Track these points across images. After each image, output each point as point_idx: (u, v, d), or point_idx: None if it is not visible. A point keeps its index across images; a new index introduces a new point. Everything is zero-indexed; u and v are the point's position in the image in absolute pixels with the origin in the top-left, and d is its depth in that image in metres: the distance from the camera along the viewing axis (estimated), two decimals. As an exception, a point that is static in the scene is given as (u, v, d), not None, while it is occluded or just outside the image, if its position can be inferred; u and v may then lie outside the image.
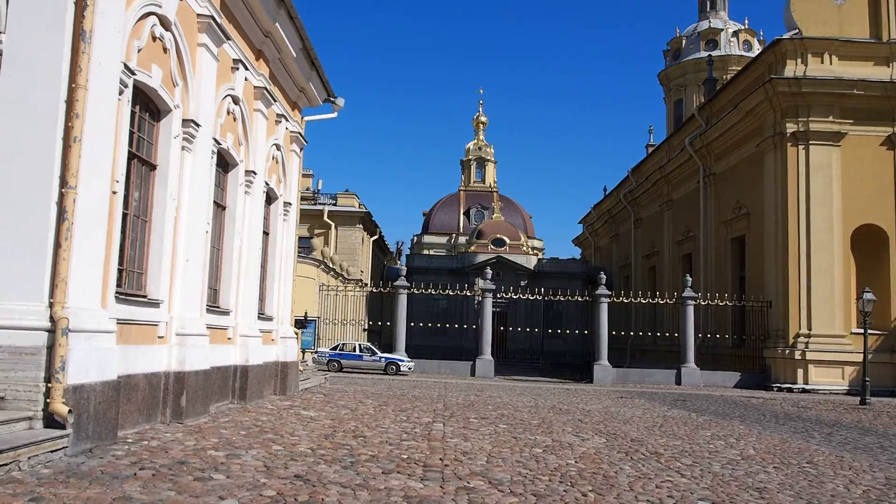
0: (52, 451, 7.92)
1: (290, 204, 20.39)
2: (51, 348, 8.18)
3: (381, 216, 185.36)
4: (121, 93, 9.95)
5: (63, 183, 8.48)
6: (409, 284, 38.98)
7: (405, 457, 10.06)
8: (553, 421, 16.19)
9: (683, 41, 70.20)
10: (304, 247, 45.03)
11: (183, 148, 12.46)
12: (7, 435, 7.58)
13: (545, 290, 42.66)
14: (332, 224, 53.27)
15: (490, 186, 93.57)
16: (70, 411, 8.11)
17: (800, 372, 32.19)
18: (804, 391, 31.50)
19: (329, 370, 33.83)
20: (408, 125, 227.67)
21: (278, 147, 19.16)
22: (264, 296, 18.74)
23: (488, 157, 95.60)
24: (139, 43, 10.71)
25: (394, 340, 38.01)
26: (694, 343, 36.39)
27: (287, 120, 19.84)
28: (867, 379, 26.92)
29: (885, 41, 34.50)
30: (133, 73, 10.37)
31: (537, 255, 76.36)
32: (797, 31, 34.51)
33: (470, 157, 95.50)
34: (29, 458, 7.49)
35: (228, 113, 15.14)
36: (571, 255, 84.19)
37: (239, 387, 15.50)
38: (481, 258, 65.66)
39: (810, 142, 33.38)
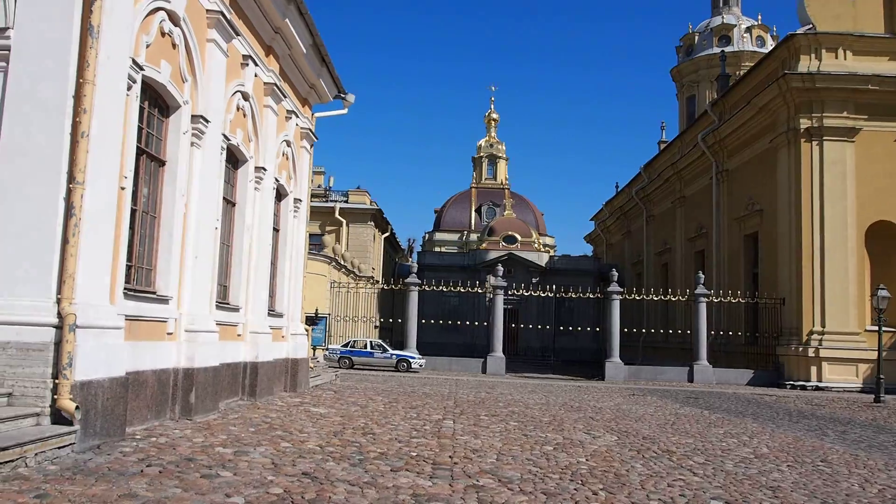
0: (59, 448, 7.90)
1: (300, 200, 20.34)
2: (58, 344, 8.15)
3: (392, 213, 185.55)
4: (129, 88, 9.92)
5: (71, 178, 8.46)
6: (420, 281, 38.93)
7: (414, 454, 10.00)
8: (564, 418, 16.09)
9: (696, 37, 69.83)
10: (316, 244, 45.08)
11: (192, 144, 12.43)
12: (14, 431, 7.56)
13: (557, 287, 42.51)
14: (344, 221, 53.31)
15: (502, 183, 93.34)
16: (77, 407, 8.09)
17: (813, 369, 31.93)
18: (818, 389, 31.25)
19: (340, 367, 33.81)
20: (419, 122, 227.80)
21: (288, 143, 19.13)
22: (274, 292, 18.71)
23: (500, 155, 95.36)
24: (148, 38, 10.68)
25: (405, 337, 38.01)
26: (706, 340, 36.18)
27: (297, 116, 19.81)
28: (882, 376, 26.67)
29: None
30: (141, 69, 10.34)
31: (549, 252, 76.17)
32: (811, 26, 34.17)
33: (481, 154, 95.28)
34: (36, 454, 7.47)
35: (238, 109, 15.10)
36: (583, 252, 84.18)
37: (249, 383, 15.47)
38: (493, 255, 65.60)
39: (824, 137, 33.09)
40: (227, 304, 15.08)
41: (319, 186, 58.68)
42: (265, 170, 16.59)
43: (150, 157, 11.43)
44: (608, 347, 37.05)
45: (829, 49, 34.01)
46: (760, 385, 33.43)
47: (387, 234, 61.44)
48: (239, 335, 15.46)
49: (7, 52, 8.66)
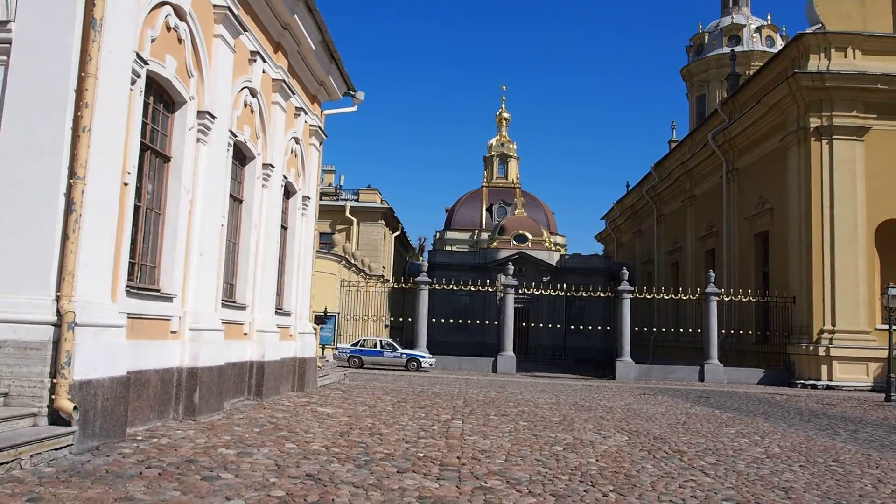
0: (56, 449, 7.73)
1: (308, 198, 20.17)
2: (57, 343, 7.98)
3: (403, 212, 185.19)
4: (133, 83, 9.77)
5: (72, 174, 8.29)
6: (430, 280, 38.79)
7: (421, 455, 9.83)
8: (574, 418, 15.94)
9: (706, 37, 69.97)
10: (326, 242, 45.03)
11: (198, 140, 12.28)
12: (9, 432, 7.40)
13: (567, 285, 42.36)
14: (354, 220, 53.24)
15: (513, 182, 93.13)
16: (75, 408, 7.92)
17: (824, 368, 31.88)
18: (828, 388, 31.16)
19: (349, 366, 33.71)
20: (431, 121, 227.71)
21: (297, 140, 18.97)
22: (282, 291, 18.56)
23: (511, 154, 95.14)
24: (153, 33, 10.53)
25: (415, 336, 37.89)
26: (717, 339, 36.11)
27: (306, 113, 19.64)
28: (892, 375, 26.55)
29: None
30: (146, 63, 10.19)
31: (560, 251, 75.96)
32: (820, 25, 34.21)
33: (492, 153, 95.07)
34: (31, 456, 7.30)
35: (245, 105, 14.95)
36: (594, 251, 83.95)
37: (255, 383, 15.32)
38: (503, 254, 65.47)
39: (834, 136, 33.10)
40: (234, 302, 14.93)
41: (330, 185, 58.64)
42: (273, 167, 16.44)
43: (154, 153, 11.28)
44: (619, 346, 36.97)
45: (838, 48, 34.06)
46: (771, 384, 33.35)
47: (397, 233, 61.36)
48: (245, 334, 15.30)
49: (8, 45, 8.51)
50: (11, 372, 7.89)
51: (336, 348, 35.13)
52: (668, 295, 38.39)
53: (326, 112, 22.41)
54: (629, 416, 17.11)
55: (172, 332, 11.54)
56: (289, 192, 18.86)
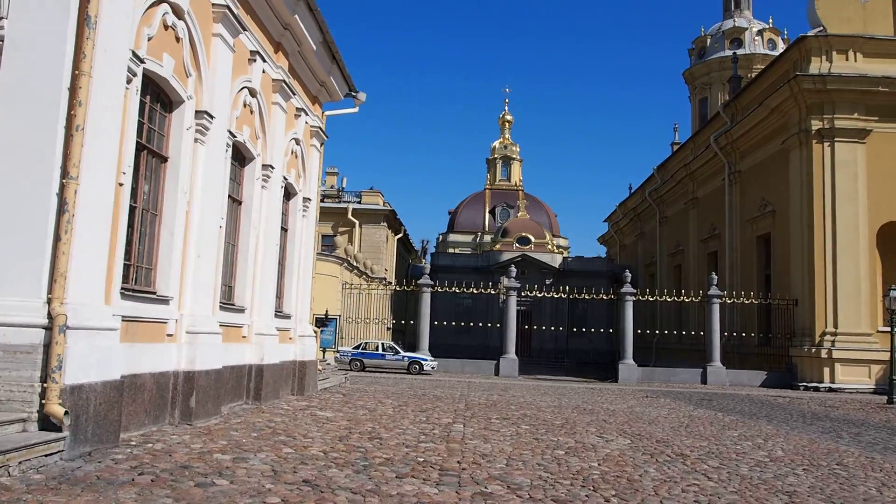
0: (46, 455, 7.55)
1: (309, 200, 20.01)
2: (47, 346, 7.80)
3: (406, 215, 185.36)
4: (129, 81, 9.60)
5: (64, 173, 8.12)
6: (432, 283, 38.69)
7: (421, 460, 9.69)
8: (576, 421, 15.85)
9: (708, 40, 70.08)
10: (328, 245, 44.86)
11: (196, 140, 12.12)
12: (-2, 438, 7.24)
13: (570, 288, 42.26)
14: (357, 222, 53.10)
15: (516, 185, 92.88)
16: (66, 413, 7.74)
17: (826, 371, 31.90)
18: (830, 390, 31.17)
19: (351, 369, 33.55)
20: (434, 124, 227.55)
21: (298, 141, 18.81)
22: (282, 293, 18.39)
23: (514, 156, 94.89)
24: (150, 31, 10.36)
25: (417, 339, 37.76)
26: (720, 342, 36.10)
27: (307, 114, 19.49)
28: (894, 377, 26.56)
29: None
30: (142, 62, 10.01)
31: (562, 253, 75.67)
32: (822, 28, 34.30)
33: (496, 155, 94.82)
34: (20, 462, 7.12)
35: (245, 105, 14.79)
36: (597, 253, 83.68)
37: (254, 387, 15.14)
38: (506, 256, 65.24)
39: (835, 139, 33.17)
40: (232, 304, 14.75)
41: (332, 187, 58.52)
42: (273, 168, 16.27)
43: (151, 153, 11.11)
44: (621, 349, 36.94)
45: (839, 51, 34.16)
46: (773, 386, 33.38)
47: (400, 236, 61.18)
48: (244, 337, 15.13)
49: (0, 42, 8.35)
50: (0, 376, 7.72)
51: (337, 351, 34.97)
52: (670, 297, 38.27)
53: (328, 113, 22.26)
54: (632, 419, 17.04)
55: (169, 336, 11.36)
56: (289, 193, 18.70)
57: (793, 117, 34.64)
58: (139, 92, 10.06)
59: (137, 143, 10.28)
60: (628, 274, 38.88)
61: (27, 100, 8.19)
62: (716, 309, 36.28)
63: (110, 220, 9.06)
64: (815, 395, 29.03)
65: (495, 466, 9.49)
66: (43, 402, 7.72)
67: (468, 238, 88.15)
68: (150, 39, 10.35)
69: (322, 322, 28.46)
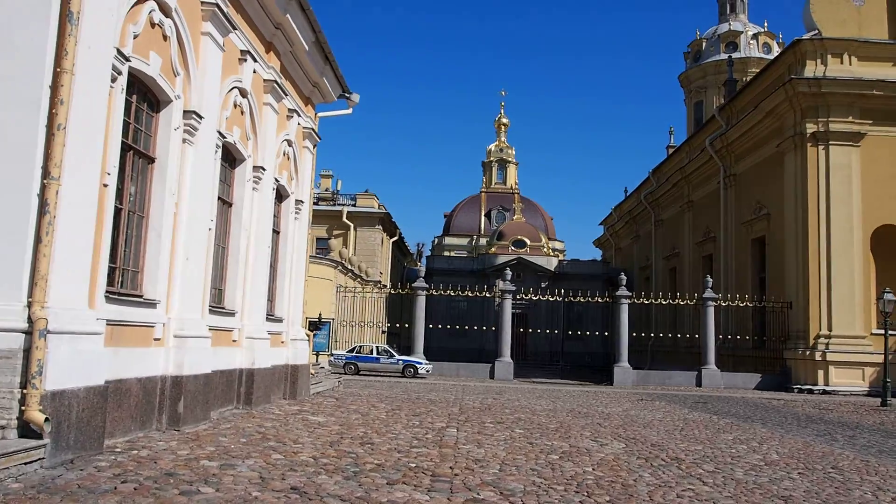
0: (25, 464, 7.32)
1: (302, 202, 19.81)
2: (28, 351, 7.55)
3: (402, 218, 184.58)
4: (114, 80, 9.38)
5: (45, 173, 7.88)
6: (427, 286, 38.58)
7: (413, 465, 9.53)
8: (571, 425, 15.77)
9: (704, 43, 70.40)
10: (322, 248, 44.69)
11: (184, 141, 11.91)
12: (-25, 446, 7.01)
13: (566, 291, 42.12)
14: (352, 225, 52.91)
15: (511, 188, 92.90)
16: (47, 419, 7.51)
17: (820, 373, 31.98)
18: (824, 392, 31.28)
19: (345, 373, 33.37)
20: (429, 127, 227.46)
21: (290, 143, 18.60)
22: (274, 296, 18.19)
23: (510, 159, 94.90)
24: (135, 28, 10.14)
25: (412, 342, 37.62)
26: (714, 344, 36.12)
27: (299, 115, 19.29)
28: (888, 380, 26.70)
29: None
30: (127, 60, 9.79)
31: (558, 256, 75.74)
32: (817, 31, 34.37)
33: (491, 158, 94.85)
34: (-2, 470, 6.91)
35: (235, 106, 14.59)
36: (592, 256, 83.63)
37: (244, 391, 14.92)
38: (502, 259, 65.19)
39: (830, 142, 33.24)
40: (222, 308, 14.54)
41: (327, 190, 58.37)
42: (264, 169, 16.05)
43: (137, 154, 10.90)
44: (616, 352, 36.97)
45: (834, 54, 34.23)
46: (768, 389, 33.46)
47: (395, 239, 61.04)
48: (234, 341, 14.91)
49: (-21, 38, 8.13)
50: (-22, 382, 7.50)
51: (331, 355, 34.77)
52: (665, 300, 38.32)
53: (321, 114, 22.09)
54: (627, 422, 16.97)
55: (156, 340, 11.14)
56: (281, 195, 18.51)
57: (788, 120, 34.71)
58: (125, 91, 9.84)
59: (123, 143, 10.08)
60: (623, 277, 38.93)
61: (7, 97, 7.94)
62: (710, 312, 36.33)
63: (94, 222, 8.84)
64: (809, 398, 29.09)
65: (488, 472, 9.35)
66: (23, 408, 7.47)
67: (464, 241, 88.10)
68: (135, 37, 10.14)
69: (315, 325, 28.20)
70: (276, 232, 18.09)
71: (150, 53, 10.67)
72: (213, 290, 14.08)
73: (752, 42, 67.64)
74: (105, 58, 8.99)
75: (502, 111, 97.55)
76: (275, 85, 16.40)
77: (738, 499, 8.39)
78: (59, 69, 8.07)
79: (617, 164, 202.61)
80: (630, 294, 37.83)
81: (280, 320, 18.29)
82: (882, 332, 28.08)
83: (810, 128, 33.33)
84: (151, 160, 11.27)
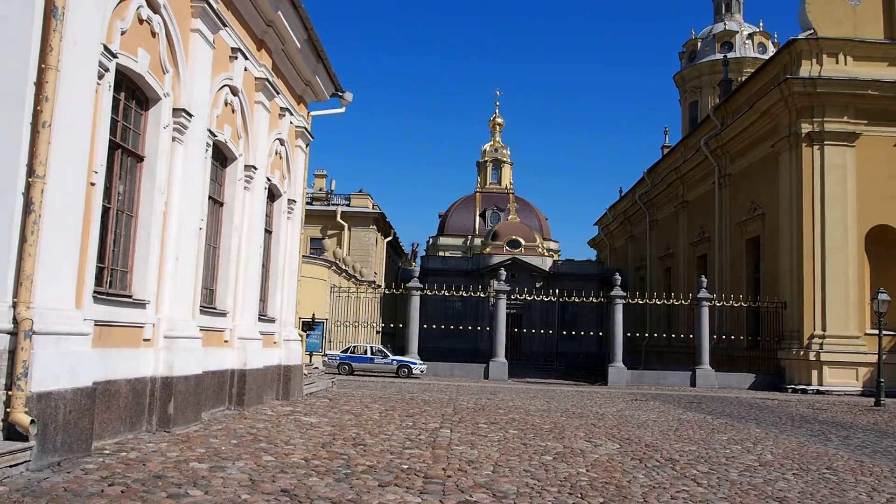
0: (10, 466, 7.18)
1: (294, 201, 19.67)
2: (13, 352, 7.41)
3: (396, 218, 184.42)
4: (101, 77, 9.25)
5: (30, 172, 7.74)
6: (421, 286, 38.50)
7: (406, 467, 9.43)
8: (565, 425, 15.71)
9: (699, 43, 70.48)
10: (316, 248, 44.53)
11: (174, 139, 11.78)
12: (-43, 448, 6.88)
13: (560, 291, 42.07)
14: (346, 225, 52.82)
15: (506, 188, 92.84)
16: (33, 421, 7.37)
17: (814, 373, 32.05)
18: (818, 392, 31.36)
19: (339, 373, 33.23)
20: (424, 126, 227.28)
21: (282, 142, 18.46)
22: (266, 297, 18.05)
23: (504, 159, 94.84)
24: (123, 25, 10.00)
25: (406, 342, 37.52)
26: (709, 344, 36.13)
27: (292, 114, 19.16)
28: (882, 380, 26.73)
29: None
30: (115, 56, 9.65)
31: (553, 256, 75.66)
32: (812, 31, 34.36)
33: (486, 158, 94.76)
34: (-18, 474, 6.78)
35: (226, 104, 14.45)
36: (587, 256, 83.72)
37: (236, 392, 14.78)
38: (496, 260, 65.09)
39: (825, 142, 33.25)
40: (214, 308, 14.41)
41: (321, 190, 58.23)
42: (256, 168, 15.91)
43: (126, 152, 10.77)
44: (611, 352, 36.94)
45: (830, 54, 34.25)
46: (762, 389, 33.53)
47: (389, 239, 60.94)
48: (226, 341, 14.77)
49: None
50: (-38, 384, 7.36)
51: (325, 355, 34.64)
52: (660, 300, 38.25)
53: (313, 113, 21.94)
54: (621, 422, 16.94)
55: (145, 340, 11.01)
56: (273, 195, 18.37)
57: (783, 120, 34.69)
58: (112, 88, 9.71)
59: (111, 141, 9.95)
60: (618, 277, 38.86)
61: (-9, 95, 7.83)
62: (705, 312, 36.32)
63: (81, 221, 8.71)
64: (803, 398, 29.14)
65: (481, 473, 9.26)
66: (8, 410, 7.33)
67: (458, 241, 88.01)
68: (123, 33, 9.99)
69: (309, 326, 28.10)
70: (268, 232, 17.96)
71: (138, 50, 10.54)
72: (205, 290, 13.95)
73: (747, 42, 67.74)
74: (91, 54, 8.86)
75: (497, 111, 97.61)
76: (266, 83, 16.27)
77: (733, 500, 8.34)
78: (43, 65, 7.93)
79: (612, 165, 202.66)
80: (624, 294, 37.83)
81: (273, 321, 18.17)
82: (876, 332, 28.20)
83: (805, 128, 33.32)
84: (140, 159, 11.14)
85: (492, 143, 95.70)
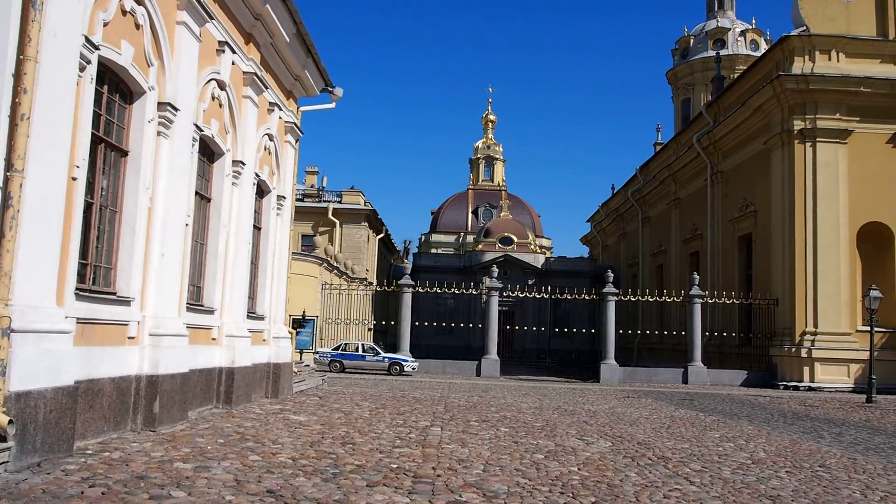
0: (-12, 467, 7.03)
1: (283, 197, 19.47)
2: (-10, 351, 7.25)
3: (388, 215, 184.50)
4: (82, 69, 9.05)
5: (8, 165, 7.53)
6: (413, 283, 38.39)
7: (395, 466, 9.28)
8: (557, 423, 15.60)
9: (691, 40, 70.55)
10: (308, 245, 44.36)
11: (159, 133, 11.59)
12: (-68, 449, 6.69)
13: (553, 288, 42.03)
14: (337, 222, 52.60)
15: (498, 185, 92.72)
16: (11, 422, 7.18)
17: (806, 370, 32.13)
18: (810, 389, 31.42)
19: (331, 371, 33.08)
20: (416, 124, 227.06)
21: (271, 137, 18.26)
22: (255, 294, 17.84)
23: (497, 156, 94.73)
24: (105, 16, 9.79)
25: (398, 340, 37.41)
26: (701, 341, 36.14)
27: (281, 109, 18.95)
28: (874, 377, 26.73)
29: (891, 39, 34.42)
30: (97, 49, 9.45)
31: (545, 253, 75.57)
32: (805, 28, 34.38)
33: (479, 155, 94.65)
34: (-43, 475, 6.58)
35: (213, 98, 14.25)
36: (579, 253, 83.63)
37: (224, 390, 14.59)
38: (489, 257, 64.99)
39: (817, 139, 33.28)
40: (201, 305, 14.21)
41: (312, 186, 58.03)
42: (244, 164, 15.72)
43: (109, 147, 10.56)
44: (603, 349, 36.92)
45: (822, 51, 34.27)
46: (754, 386, 33.55)
47: (381, 236, 60.78)
48: (214, 339, 14.58)
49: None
50: (-63, 383, 7.17)
51: (316, 353, 34.48)
52: (652, 297, 38.25)
53: (303, 109, 21.74)
54: (613, 420, 16.86)
55: (130, 338, 10.82)
56: (262, 190, 18.17)
57: (775, 117, 34.68)
58: (94, 81, 9.49)
59: (94, 135, 9.74)
60: (610, 274, 38.86)
61: (-33, 86, 7.63)
62: (697, 309, 36.32)
63: (62, 217, 8.51)
64: (795, 395, 29.15)
65: (472, 473, 9.13)
66: (-15, 409, 7.17)
67: (451, 238, 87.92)
68: (105, 25, 9.79)
69: (299, 323, 27.93)
70: (257, 228, 17.78)
71: (121, 42, 10.34)
72: (192, 287, 13.76)
73: (739, 39, 67.81)
74: (72, 46, 8.66)
75: (489, 108, 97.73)
76: (255, 77, 16.07)
77: (726, 499, 8.24)
78: (22, 56, 7.73)
79: (604, 162, 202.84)
80: (617, 291, 37.75)
81: (262, 318, 17.98)
82: (868, 328, 28.14)
83: (797, 125, 33.32)
84: (124, 153, 10.94)
85: (484, 139, 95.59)
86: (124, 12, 10.38)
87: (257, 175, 17.04)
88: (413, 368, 34.55)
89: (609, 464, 10.30)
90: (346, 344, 35.90)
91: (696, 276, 37.63)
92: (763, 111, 35.41)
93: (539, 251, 72.22)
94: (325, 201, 54.16)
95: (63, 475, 7.50)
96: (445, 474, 8.91)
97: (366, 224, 54.84)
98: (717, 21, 69.71)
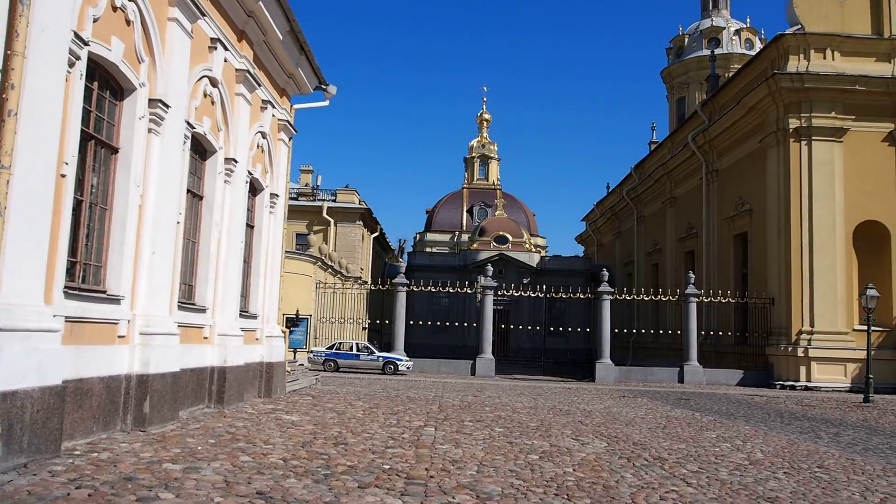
0: (-28, 469, 6.91)
1: (277, 196, 19.34)
2: (-25, 350, 7.14)
3: (383, 214, 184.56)
4: (71, 65, 8.95)
5: (-6, 162, 7.45)
6: (408, 282, 38.27)
7: (387, 467, 9.17)
8: (552, 423, 15.48)
9: (686, 39, 70.59)
10: (302, 243, 44.24)
11: (150, 130, 11.48)
12: (-85, 450, 6.57)
13: (548, 287, 41.96)
14: (332, 220, 52.45)
15: (493, 184, 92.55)
16: (-4, 422, 7.09)
17: (802, 369, 32.09)
18: (807, 389, 31.40)
19: (325, 370, 32.98)
20: (411, 122, 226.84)
21: (264, 135, 18.15)
22: (248, 292, 17.73)
23: (492, 155, 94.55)
24: (95, 11, 9.68)
25: (392, 339, 37.28)
26: (697, 341, 36.10)
27: (274, 107, 18.85)
28: (871, 376, 26.65)
29: (886, 37, 34.45)
30: (86, 44, 9.34)
31: (540, 252, 75.40)
32: (799, 26, 34.39)
33: (473, 154, 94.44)
34: (-61, 477, 6.47)
35: (205, 95, 14.14)
36: (574, 252, 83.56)
37: (216, 390, 14.48)
38: (484, 256, 64.89)
39: (813, 137, 33.28)
40: (193, 304, 14.10)
41: (307, 185, 57.86)
42: (236, 162, 15.61)
43: (99, 144, 10.45)
44: (599, 348, 36.83)
45: (817, 49, 34.30)
46: (750, 385, 33.50)
47: (376, 234, 60.64)
48: (205, 338, 14.47)
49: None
50: (-79, 382, 7.06)
51: (310, 352, 34.37)
52: (647, 296, 38.19)
53: (297, 107, 21.61)
54: (608, 420, 16.75)
55: (120, 337, 10.71)
56: (255, 189, 18.05)
57: (770, 116, 34.67)
58: (84, 77, 9.38)
59: (83, 132, 9.64)
60: (606, 273, 38.77)
61: (-47, 82, 7.52)
62: (693, 308, 36.25)
63: (51, 214, 8.40)
64: (791, 394, 29.08)
65: (465, 474, 9.01)
66: (-30, 410, 7.05)
67: (446, 237, 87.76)
68: (95, 21, 9.68)
69: (292, 322, 27.77)
70: (249, 226, 17.67)
71: (111, 38, 10.23)
72: (183, 285, 13.65)
73: (734, 38, 67.85)
74: (61, 41, 8.55)
75: (484, 107, 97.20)
76: (247, 75, 15.96)
77: (723, 501, 8.14)
78: (9, 52, 7.63)
79: (599, 161, 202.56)
80: (612, 290, 37.70)
81: (254, 317, 17.86)
82: (864, 327, 28.15)
83: (793, 123, 33.31)
84: (115, 150, 10.83)
85: (479, 138, 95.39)
86: (115, 8, 10.28)
87: (250, 173, 16.93)
88: (408, 368, 34.47)
89: (605, 464, 10.21)
90: (340, 343, 35.80)
91: (692, 275, 37.59)
92: (758, 110, 35.40)
93: (534, 250, 72.12)
94: (319, 200, 54.01)
95: (49, 476, 7.38)
96: (438, 475, 8.81)
97: (360, 223, 54.71)
98: (712, 20, 69.76)
